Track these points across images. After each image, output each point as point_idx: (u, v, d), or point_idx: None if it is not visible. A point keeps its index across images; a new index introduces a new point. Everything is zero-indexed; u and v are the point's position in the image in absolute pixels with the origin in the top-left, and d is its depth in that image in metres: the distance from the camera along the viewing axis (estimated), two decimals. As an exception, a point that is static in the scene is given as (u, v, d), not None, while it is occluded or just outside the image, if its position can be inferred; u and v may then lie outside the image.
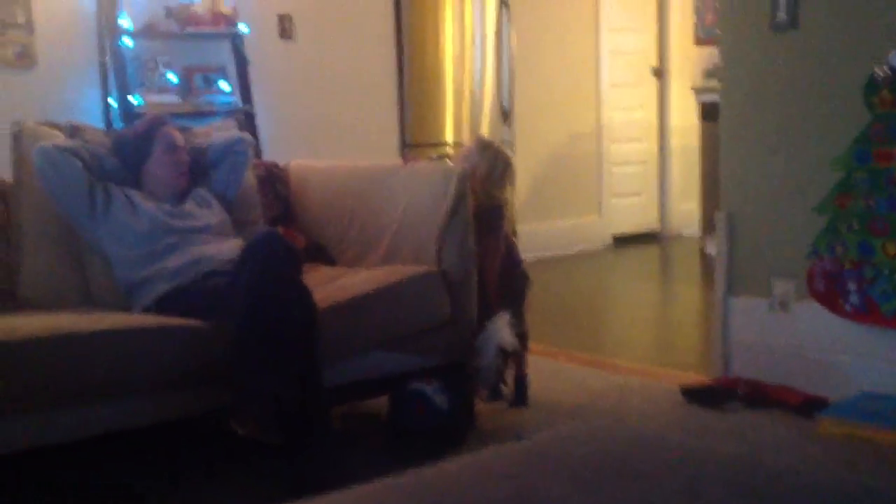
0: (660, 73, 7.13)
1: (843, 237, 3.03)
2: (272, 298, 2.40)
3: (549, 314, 4.82)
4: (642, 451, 1.98)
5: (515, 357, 3.14)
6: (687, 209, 7.06)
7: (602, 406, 3.16)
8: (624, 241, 6.77)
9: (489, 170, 3.16)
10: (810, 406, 2.93)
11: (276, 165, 3.53)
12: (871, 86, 2.98)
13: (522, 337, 3.16)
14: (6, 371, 2.13)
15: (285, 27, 5.37)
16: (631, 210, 6.97)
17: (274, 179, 3.43)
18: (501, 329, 2.99)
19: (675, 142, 7.14)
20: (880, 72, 2.96)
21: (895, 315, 2.91)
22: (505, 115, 6.14)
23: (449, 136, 6.00)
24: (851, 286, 3.00)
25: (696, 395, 3.14)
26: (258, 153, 4.49)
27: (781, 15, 3.22)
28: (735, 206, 3.39)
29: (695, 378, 3.35)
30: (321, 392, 2.48)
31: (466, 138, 6.03)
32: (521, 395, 3.18)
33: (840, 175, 3.04)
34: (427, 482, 1.81)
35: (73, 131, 2.90)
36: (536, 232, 6.31)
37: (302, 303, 2.47)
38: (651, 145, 7.15)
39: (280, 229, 3.19)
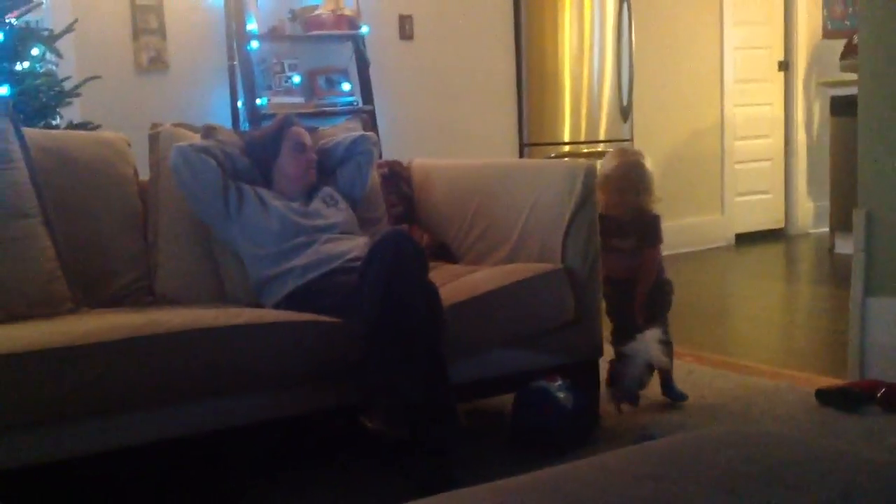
0: (786, 67, 6.92)
1: None
2: (400, 296, 2.42)
3: (674, 313, 4.72)
4: (788, 455, 1.91)
5: (662, 370, 3.15)
6: (813, 207, 6.83)
7: (732, 408, 3.08)
8: (747, 239, 6.60)
9: (621, 178, 3.11)
10: (957, 412, 2.80)
11: (399, 164, 3.56)
12: None
13: (668, 345, 3.12)
14: (148, 364, 2.21)
15: (405, 28, 5.42)
16: (755, 207, 6.79)
17: (398, 178, 3.46)
18: (651, 345, 2.98)
19: (801, 138, 6.92)
20: None
21: None
22: (624, 113, 6.06)
23: (567, 135, 5.96)
24: None
25: (830, 398, 3.02)
26: (380, 152, 4.55)
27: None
28: (873, 204, 3.26)
29: (828, 381, 3.23)
30: (448, 389, 2.49)
31: (584, 137, 5.98)
32: (677, 393, 3.17)
33: None
34: (561, 480, 1.78)
35: (208, 132, 2.99)
36: (657, 230, 6.20)
37: (429, 301, 2.48)
38: (776, 142, 6.94)
39: (405, 227, 3.23)
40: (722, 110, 6.57)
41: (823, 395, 3.06)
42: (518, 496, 1.71)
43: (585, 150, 5.92)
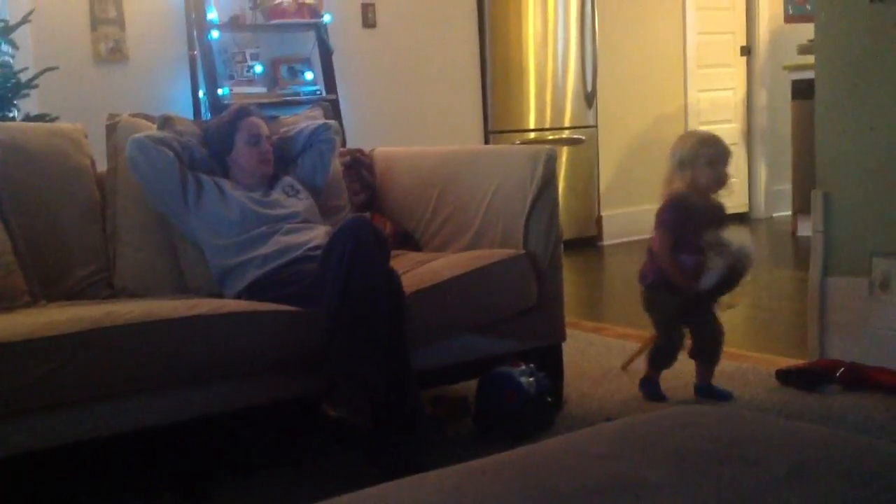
0: (748, 52, 6.96)
1: (947, 214, 2.92)
2: (361, 284, 2.41)
3: (637, 298, 4.75)
4: (743, 432, 1.93)
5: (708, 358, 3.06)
6: (776, 190, 6.89)
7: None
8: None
9: (715, 146, 2.94)
10: (914, 389, 2.85)
11: (361, 152, 3.55)
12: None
13: (720, 333, 3.04)
14: (107, 356, 2.19)
15: (368, 16, 5.40)
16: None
17: (360, 166, 3.45)
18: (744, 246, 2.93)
19: (764, 122, 6.97)
20: None
21: None
22: (589, 99, 6.08)
23: (532, 122, 5.97)
24: (956, 265, 2.90)
25: (791, 378, 3.06)
26: (343, 141, 4.53)
27: (878, -14, 3.10)
28: (832, 185, 3.29)
29: (789, 361, 3.26)
30: (410, 376, 2.49)
31: (549, 124, 5.99)
32: (720, 392, 3.05)
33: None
34: (520, 463, 1.79)
35: (165, 122, 2.96)
36: (621, 215, 6.23)
37: (391, 288, 2.48)
38: (739, 126, 7.00)
39: (368, 215, 3.22)
40: (685, 95, 6.60)
41: (784, 375, 3.10)
42: (478, 478, 1.71)
43: (550, 137, 5.94)
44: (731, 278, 2.89)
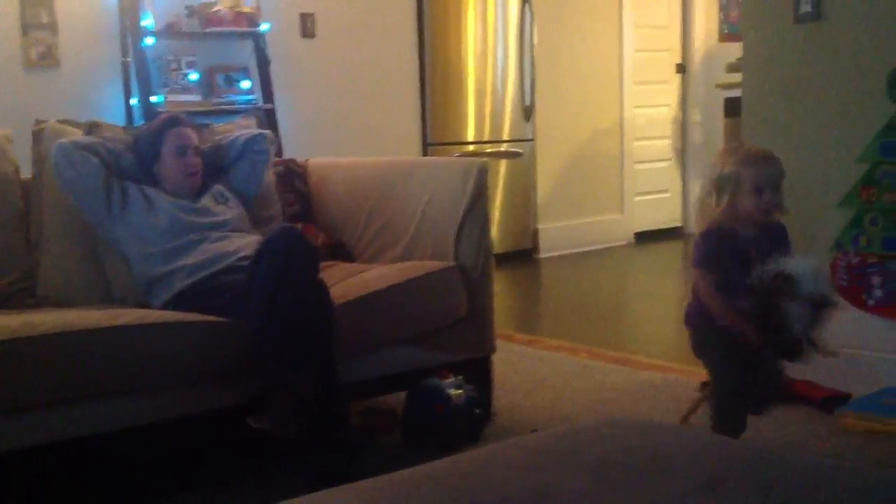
0: (684, 69, 7.08)
1: (867, 231, 2.99)
2: (289, 295, 2.40)
3: (572, 311, 4.81)
4: (663, 445, 1.96)
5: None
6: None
7: (624, 402, 3.14)
8: (646, 238, 6.74)
9: (774, 166, 2.40)
10: (833, 401, 2.90)
11: (295, 162, 3.53)
12: (895, 78, 2.94)
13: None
14: (26, 367, 2.14)
15: (307, 25, 5.39)
16: (653, 207, 6.94)
17: (293, 176, 3.44)
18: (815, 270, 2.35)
19: (698, 138, 7.10)
20: (904, 64, 2.92)
21: (920, 310, 2.87)
22: (527, 112, 6.13)
23: (471, 134, 6.00)
24: (875, 281, 2.97)
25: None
26: (279, 151, 4.51)
27: (805, 6, 3.19)
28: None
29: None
30: (338, 388, 2.48)
31: (488, 136, 6.03)
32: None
33: (864, 168, 3.01)
34: (442, 474, 1.79)
35: (92, 128, 2.92)
36: (559, 229, 6.29)
37: (318, 299, 2.47)
38: (674, 142, 7.11)
39: (299, 226, 3.20)
40: (622, 111, 6.69)
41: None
42: (400, 489, 1.71)
43: (489, 150, 5.97)
44: (817, 316, 2.34)
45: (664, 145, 7.05)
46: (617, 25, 6.64)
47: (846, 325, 3.05)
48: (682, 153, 7.13)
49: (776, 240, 2.42)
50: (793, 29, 3.23)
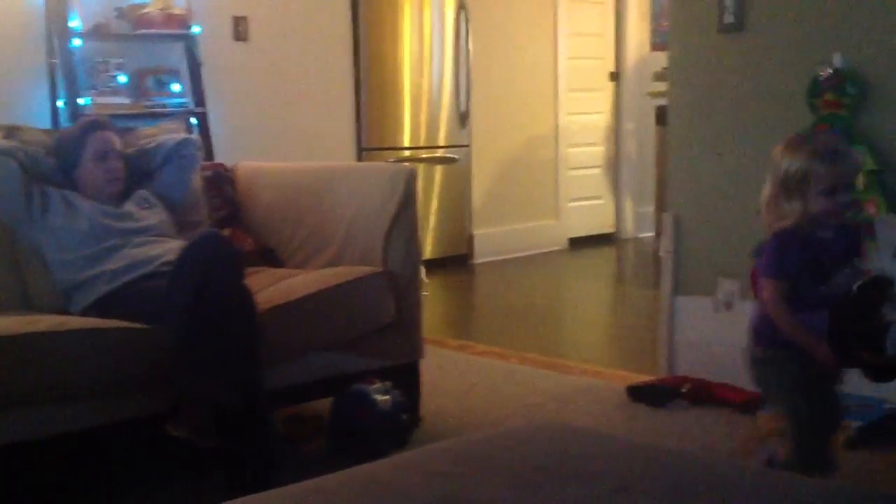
0: (617, 77, 7.18)
1: (786, 237, 3.05)
2: (211, 300, 2.38)
3: (505, 316, 4.84)
4: (578, 449, 1.98)
5: None
6: (643, 212, 7.11)
7: (551, 407, 3.16)
8: (580, 243, 6.81)
9: (850, 162, 2.13)
10: (752, 404, 2.95)
11: (223, 167, 3.50)
12: (815, 87, 3.01)
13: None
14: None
15: (240, 29, 5.34)
16: (587, 213, 7.01)
17: (222, 181, 3.41)
18: None
19: (631, 146, 7.19)
20: (823, 73, 2.99)
21: (836, 314, 2.93)
22: (462, 119, 6.16)
23: (406, 140, 6.00)
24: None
25: (641, 394, 3.16)
26: (209, 155, 4.46)
27: (729, 17, 3.25)
28: (682, 208, 3.43)
29: (641, 377, 3.36)
30: (262, 395, 2.46)
31: (424, 142, 6.04)
32: None
33: (782, 176, 3.07)
34: (360, 481, 1.79)
35: (10, 132, 2.86)
36: (494, 235, 6.32)
37: (242, 305, 2.45)
38: (607, 149, 7.20)
39: (227, 231, 3.18)
40: (556, 118, 6.75)
41: (635, 392, 3.19)
42: (318, 496, 1.71)
43: (424, 156, 5.98)
44: None
45: (598, 152, 7.13)
46: (552, 33, 6.70)
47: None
48: (616, 160, 7.22)
49: (851, 244, 2.16)
50: (717, 39, 3.29)
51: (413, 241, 2.96)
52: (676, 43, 3.47)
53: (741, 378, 3.11)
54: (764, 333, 2.21)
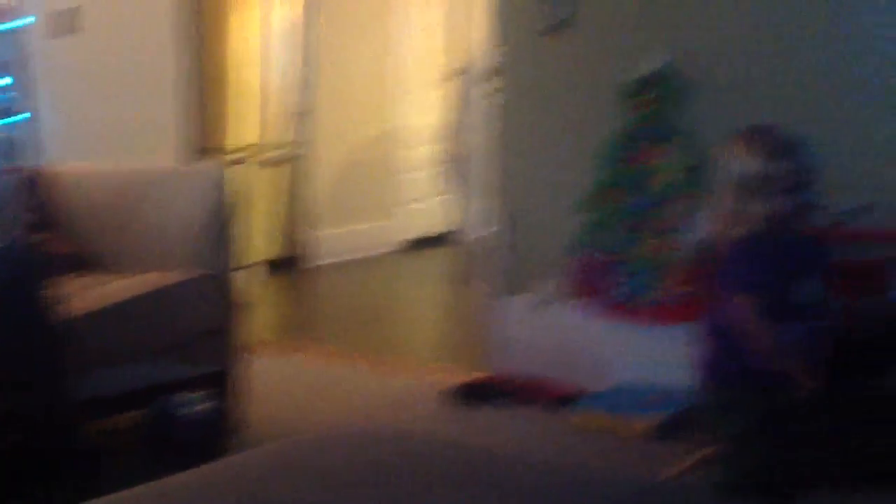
0: (458, 76, 7.24)
1: (605, 233, 3.16)
2: (12, 309, 2.28)
3: (341, 318, 4.82)
4: (392, 452, 1.99)
5: None
6: (485, 211, 7.19)
7: (379, 408, 3.17)
8: (419, 244, 6.84)
9: (739, 181, 1.88)
10: (570, 399, 3.04)
11: (37, 170, 3.36)
12: (634, 85, 3.11)
13: None
14: None
15: (69, 22, 5.12)
16: (426, 213, 7.04)
17: (34, 184, 3.26)
18: None
19: (472, 144, 7.26)
20: (642, 71, 3.09)
21: (651, 309, 3.06)
22: (302, 117, 6.10)
23: (244, 138, 5.90)
24: (611, 281, 3.14)
25: (465, 394, 3.21)
26: (37, 155, 4.28)
27: (557, 16, 3.32)
28: (514, 207, 3.49)
29: (467, 376, 3.41)
30: (70, 406, 2.38)
31: (262, 140, 5.95)
32: None
33: (604, 173, 3.17)
34: (173, 490, 1.76)
35: None
36: (333, 236, 6.28)
37: (46, 313, 2.36)
38: (448, 147, 7.24)
39: (40, 236, 3.05)
40: (396, 117, 6.77)
41: (462, 391, 3.24)
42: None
43: (262, 154, 5.89)
44: None
45: (437, 151, 7.18)
46: (393, 29, 6.71)
47: (585, 325, 3.23)
48: (455, 160, 7.28)
49: (817, 251, 1.93)
50: (546, 38, 3.36)
51: (231, 245, 2.92)
52: (508, 40, 3.52)
53: (562, 374, 3.23)
54: (721, 367, 1.88)
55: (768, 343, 1.82)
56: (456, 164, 7.24)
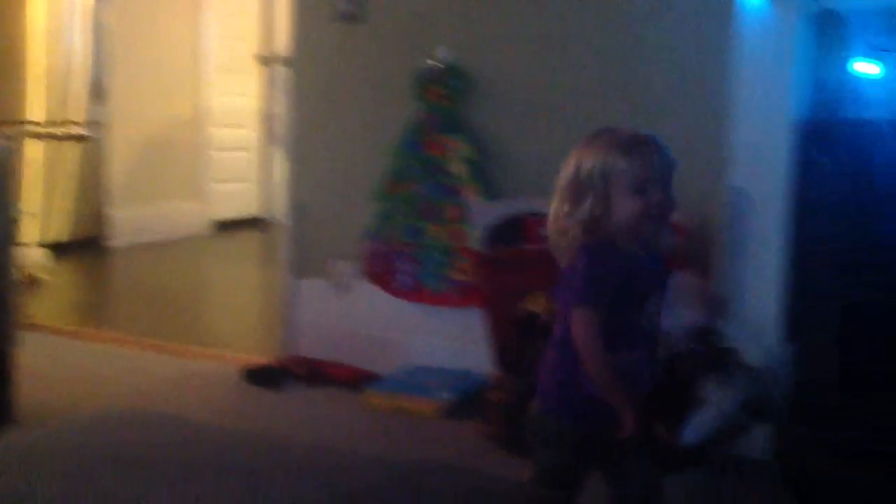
0: (267, 59, 7.13)
1: (396, 221, 3.20)
2: None
3: (140, 301, 4.66)
4: (150, 436, 1.95)
5: None
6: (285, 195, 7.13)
7: (161, 393, 3.09)
8: (227, 227, 6.71)
9: (660, 158, 1.63)
10: (363, 382, 3.06)
11: None
12: (423, 78, 3.16)
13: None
14: None
15: None
16: (234, 195, 6.92)
17: None
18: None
19: (283, 128, 7.17)
20: (431, 66, 3.14)
21: (440, 293, 3.12)
22: (99, 95, 5.84)
23: (35, 114, 5.59)
24: (402, 267, 3.18)
25: (257, 377, 3.17)
26: None
27: (349, 6, 3.32)
28: (304, 192, 3.48)
29: (260, 360, 3.37)
30: None
31: (55, 117, 5.65)
32: None
33: (394, 162, 3.21)
34: None
35: None
36: (134, 217, 6.06)
37: None
38: (256, 132, 7.15)
39: None
40: (203, 98, 6.60)
41: (252, 374, 3.20)
42: None
43: (56, 132, 5.61)
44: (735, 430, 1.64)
45: (247, 134, 7.06)
46: (196, 10, 6.53)
47: (378, 309, 3.26)
48: (267, 143, 7.19)
49: (662, 270, 1.67)
50: (337, 27, 3.36)
51: (11, 220, 2.75)
52: (298, 28, 3.50)
53: (356, 357, 3.25)
54: (549, 392, 1.67)
55: (606, 371, 1.57)
56: (266, 147, 7.15)
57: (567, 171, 1.63)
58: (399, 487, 1.61)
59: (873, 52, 2.12)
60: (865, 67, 2.14)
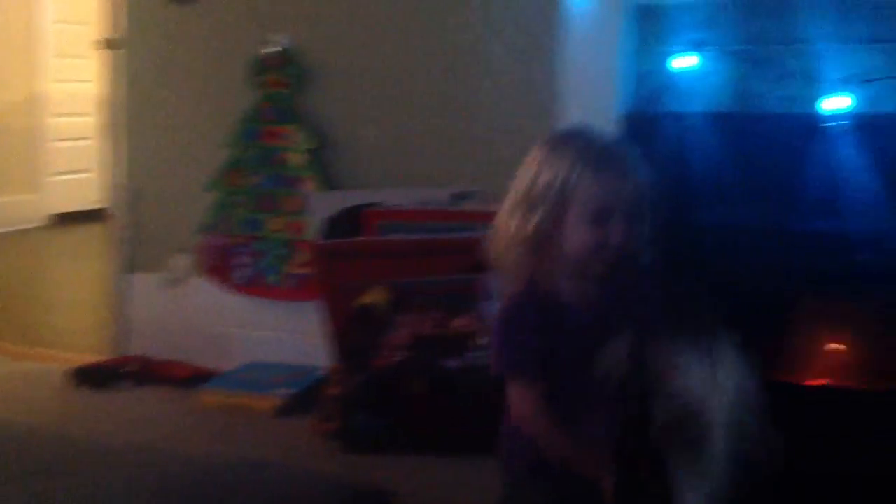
0: (112, 44, 6.85)
1: (234, 213, 3.11)
2: None
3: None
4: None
5: None
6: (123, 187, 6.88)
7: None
8: (67, 219, 6.41)
9: (630, 187, 1.36)
10: (199, 380, 2.96)
11: None
12: (259, 65, 3.08)
13: None
14: None
15: None
16: (75, 186, 6.62)
17: None
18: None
19: (124, 117, 6.90)
20: (268, 52, 3.06)
21: (279, 287, 3.05)
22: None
23: None
24: (240, 260, 3.09)
25: (86, 377, 3.03)
26: None
27: (182, -12, 3.21)
28: (138, 182, 3.35)
29: (90, 359, 3.22)
30: None
31: None
32: None
33: (232, 152, 3.11)
34: None
35: None
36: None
37: None
38: (98, 120, 6.85)
39: None
40: (38, 85, 6.28)
41: (81, 374, 3.05)
42: None
43: None
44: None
45: (88, 123, 6.75)
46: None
47: (216, 304, 3.16)
48: (109, 132, 6.91)
49: (623, 305, 1.37)
50: (171, 9, 3.25)
51: None
52: (130, 9, 3.37)
53: (193, 354, 3.14)
54: (513, 452, 1.45)
55: (558, 442, 1.36)
56: (108, 136, 6.86)
57: (523, 178, 1.38)
58: (204, 483, 1.55)
59: (691, 46, 2.19)
60: (684, 61, 2.20)
